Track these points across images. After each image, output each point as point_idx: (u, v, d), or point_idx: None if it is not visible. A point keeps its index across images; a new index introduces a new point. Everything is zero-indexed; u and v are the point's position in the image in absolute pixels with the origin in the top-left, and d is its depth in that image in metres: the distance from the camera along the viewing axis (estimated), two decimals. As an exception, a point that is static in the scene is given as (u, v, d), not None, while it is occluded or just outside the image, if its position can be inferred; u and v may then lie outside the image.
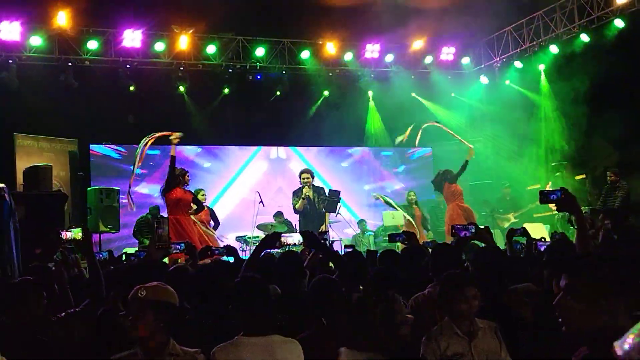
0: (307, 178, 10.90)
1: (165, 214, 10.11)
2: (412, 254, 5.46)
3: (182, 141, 14.09)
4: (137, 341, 3.17)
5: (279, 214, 12.88)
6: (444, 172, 12.08)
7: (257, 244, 4.84)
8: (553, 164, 13.87)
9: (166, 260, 6.33)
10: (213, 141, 14.99)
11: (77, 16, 12.58)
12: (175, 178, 9.51)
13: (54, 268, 4.96)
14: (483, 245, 5.10)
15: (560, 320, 2.24)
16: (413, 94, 16.02)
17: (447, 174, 11.99)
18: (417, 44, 15.19)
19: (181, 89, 14.21)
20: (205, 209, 10.96)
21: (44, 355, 3.46)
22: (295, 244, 5.56)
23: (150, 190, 13.40)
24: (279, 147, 15.64)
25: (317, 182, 11.45)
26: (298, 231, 9.10)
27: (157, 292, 3.23)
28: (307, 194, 10.79)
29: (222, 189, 14.77)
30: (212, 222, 11.13)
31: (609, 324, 2.13)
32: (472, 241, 5.30)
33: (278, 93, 15.00)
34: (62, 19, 12.44)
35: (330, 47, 14.69)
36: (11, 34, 12.24)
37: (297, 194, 11.02)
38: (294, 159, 15.57)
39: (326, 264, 5.76)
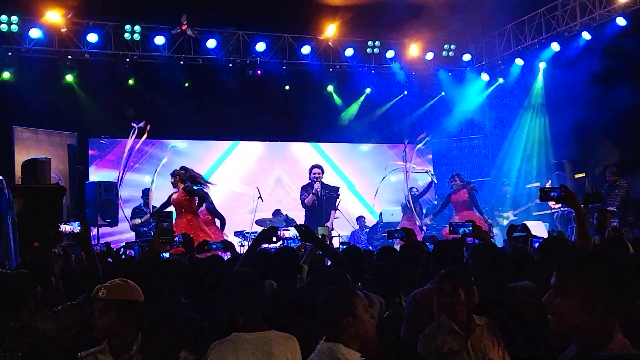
0: (318, 173, 10.90)
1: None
2: (411, 250, 5.44)
3: (179, 135, 14.26)
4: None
5: (277, 213, 12.82)
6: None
7: (254, 238, 4.82)
8: (553, 162, 13.85)
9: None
10: (212, 136, 14.95)
11: (77, 9, 12.54)
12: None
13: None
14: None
15: (549, 317, 2.23)
16: (405, 92, 15.99)
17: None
18: (413, 48, 15.17)
19: (185, 84, 14.18)
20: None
21: (39, 349, 3.44)
22: (292, 238, 5.54)
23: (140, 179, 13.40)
24: (280, 142, 15.60)
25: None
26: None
27: (118, 291, 3.23)
28: (317, 189, 10.78)
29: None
30: (216, 220, 11.11)
31: (597, 322, 2.13)
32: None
33: (287, 88, 14.96)
34: (57, 16, 12.43)
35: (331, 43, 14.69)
36: (10, 27, 12.19)
37: (306, 189, 11.01)
38: (295, 153, 15.53)
39: (322, 259, 5.74)
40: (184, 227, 9.44)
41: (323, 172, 11.06)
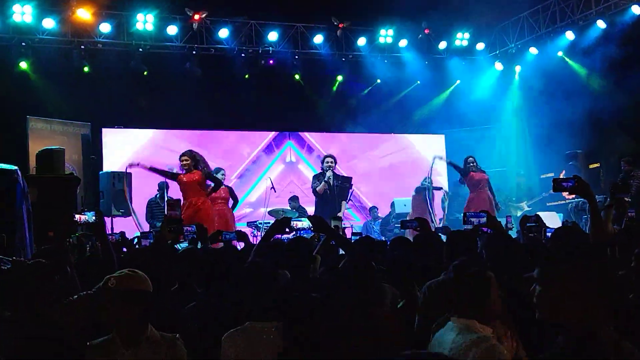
0: (331, 162, 10.91)
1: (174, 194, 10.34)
2: (425, 241, 5.43)
3: (192, 125, 14.30)
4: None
5: (294, 198, 12.93)
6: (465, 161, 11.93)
7: (267, 229, 4.83)
8: (567, 152, 13.75)
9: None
10: (223, 126, 14.96)
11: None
12: (165, 172, 10.07)
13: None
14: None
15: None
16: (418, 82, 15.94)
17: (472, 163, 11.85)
18: (425, 37, 15.10)
19: (195, 72, 14.17)
20: (225, 187, 11.06)
21: (55, 337, 3.47)
22: (305, 229, 5.54)
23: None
24: (292, 132, 15.62)
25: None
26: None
27: (128, 281, 3.25)
28: (330, 177, 10.79)
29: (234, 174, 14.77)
30: (231, 200, 11.18)
31: (578, 316, 2.25)
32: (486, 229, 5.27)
33: (297, 77, 14.95)
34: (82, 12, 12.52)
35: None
36: (24, 17, 12.25)
37: (318, 177, 11.03)
38: (306, 143, 15.54)
39: (335, 249, 5.74)
40: (194, 208, 9.51)
41: (336, 162, 11.06)
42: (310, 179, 11.51)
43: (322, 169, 11.05)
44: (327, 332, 3.29)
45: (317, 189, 10.85)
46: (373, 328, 3.44)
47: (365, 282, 3.74)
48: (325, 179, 10.79)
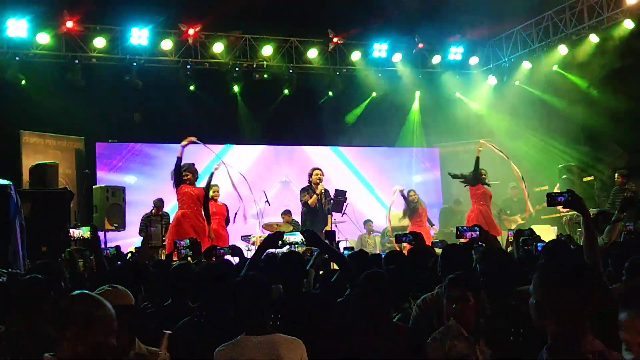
0: (320, 175, 10.88)
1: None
2: (420, 255, 5.42)
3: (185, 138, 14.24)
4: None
5: (287, 212, 12.85)
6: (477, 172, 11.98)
7: (260, 243, 4.82)
8: (561, 165, 13.77)
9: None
10: (219, 140, 14.93)
11: (85, 14, 12.59)
12: (180, 175, 9.72)
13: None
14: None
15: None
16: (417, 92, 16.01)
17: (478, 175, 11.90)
18: (419, 50, 15.20)
19: (191, 87, 14.20)
20: (222, 204, 11.10)
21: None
22: (298, 243, 5.52)
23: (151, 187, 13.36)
24: (287, 146, 15.61)
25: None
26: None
27: (107, 297, 3.22)
28: (321, 191, 10.76)
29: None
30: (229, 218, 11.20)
31: (562, 324, 2.40)
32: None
33: (286, 92, 14.99)
34: (70, 22, 12.52)
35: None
36: (18, 31, 12.26)
37: (306, 190, 10.96)
38: (301, 157, 15.52)
39: (328, 263, 5.72)
40: (196, 219, 9.59)
41: (324, 175, 11.02)
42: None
43: (309, 181, 11.00)
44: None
45: (309, 201, 10.80)
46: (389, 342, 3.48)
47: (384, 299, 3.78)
48: (317, 192, 10.75)
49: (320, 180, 10.84)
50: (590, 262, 3.94)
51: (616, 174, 11.87)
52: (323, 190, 10.79)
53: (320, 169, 11.07)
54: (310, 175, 11.05)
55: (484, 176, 11.92)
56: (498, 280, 3.96)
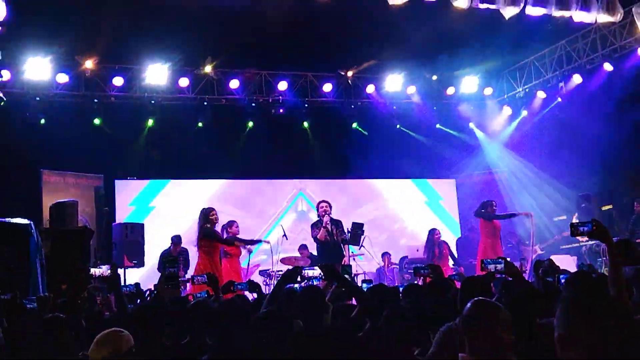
0: (326, 207, 10.88)
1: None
2: (438, 287, 5.39)
3: (204, 176, 14.41)
4: None
5: (303, 247, 12.83)
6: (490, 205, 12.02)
7: (279, 278, 4.81)
8: (579, 194, 13.67)
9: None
10: (237, 175, 14.99)
11: (103, 53, 12.80)
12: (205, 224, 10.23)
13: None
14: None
15: None
16: (438, 125, 16.05)
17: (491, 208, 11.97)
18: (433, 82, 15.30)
19: (200, 124, 14.33)
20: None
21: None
22: (316, 277, 5.51)
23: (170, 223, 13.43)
24: (303, 180, 15.64)
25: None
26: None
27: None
28: (327, 223, 10.74)
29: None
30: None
31: (587, 355, 2.29)
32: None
33: (306, 125, 15.11)
34: (89, 62, 12.76)
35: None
36: (38, 72, 12.47)
37: (316, 225, 10.98)
38: (318, 191, 15.54)
39: (346, 297, 5.69)
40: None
41: (331, 207, 11.02)
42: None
43: (318, 215, 11.01)
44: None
45: (318, 236, 10.80)
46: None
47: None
48: (323, 226, 10.75)
49: (326, 212, 10.84)
50: (615, 292, 3.89)
51: (635, 202, 11.77)
52: (329, 222, 10.77)
53: (326, 201, 11.07)
54: (317, 208, 11.09)
55: (495, 207, 11.98)
56: (521, 312, 3.91)
